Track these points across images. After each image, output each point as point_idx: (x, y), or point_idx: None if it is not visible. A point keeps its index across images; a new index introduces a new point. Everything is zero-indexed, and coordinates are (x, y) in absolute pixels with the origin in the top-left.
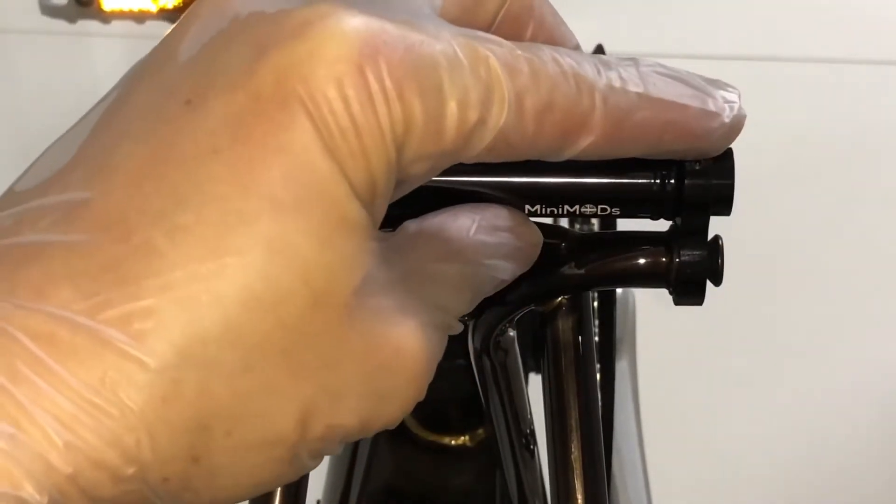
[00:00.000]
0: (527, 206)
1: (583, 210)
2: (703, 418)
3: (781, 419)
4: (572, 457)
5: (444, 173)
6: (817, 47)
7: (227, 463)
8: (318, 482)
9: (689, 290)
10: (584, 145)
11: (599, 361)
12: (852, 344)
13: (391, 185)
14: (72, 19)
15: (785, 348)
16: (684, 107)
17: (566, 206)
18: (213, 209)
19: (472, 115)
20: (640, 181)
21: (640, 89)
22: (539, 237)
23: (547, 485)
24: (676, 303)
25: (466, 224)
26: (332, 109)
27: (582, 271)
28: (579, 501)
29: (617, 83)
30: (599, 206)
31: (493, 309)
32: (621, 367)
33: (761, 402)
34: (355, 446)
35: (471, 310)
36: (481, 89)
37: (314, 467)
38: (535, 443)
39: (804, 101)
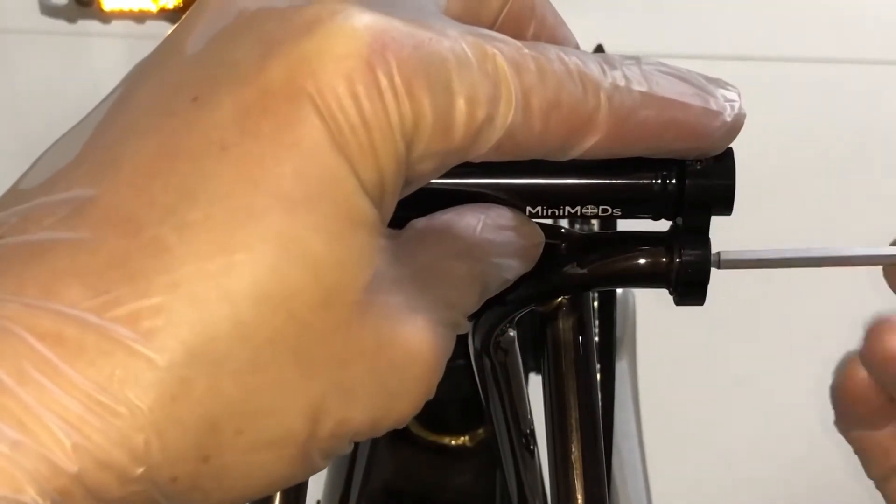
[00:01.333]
0: (528, 208)
1: (584, 211)
2: (703, 418)
3: (781, 419)
4: (572, 457)
5: (447, 174)
6: (817, 47)
7: (238, 462)
8: (318, 482)
9: (689, 291)
10: (589, 144)
11: (599, 361)
12: (852, 344)
13: (400, 183)
14: (72, 19)
15: (785, 348)
16: (687, 105)
17: (567, 208)
18: (222, 206)
19: (481, 113)
20: (641, 181)
21: (643, 88)
22: (541, 237)
23: (547, 485)
24: (677, 303)
25: (473, 223)
26: (342, 105)
27: (583, 271)
28: (579, 501)
29: (621, 82)
30: (601, 207)
31: (493, 309)
32: (621, 367)
33: (761, 402)
34: (355, 446)
35: (477, 308)
36: (489, 87)
37: (324, 467)
38: (535, 443)
39: (804, 101)
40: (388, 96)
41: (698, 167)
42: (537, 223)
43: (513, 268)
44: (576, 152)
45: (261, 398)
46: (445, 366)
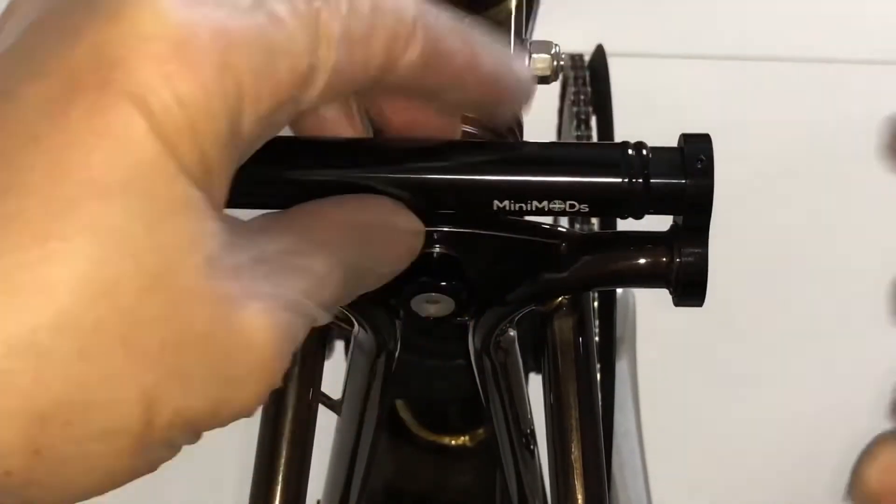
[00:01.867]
0: (495, 202)
1: (551, 206)
2: (702, 418)
3: (782, 419)
4: (572, 457)
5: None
6: (817, 47)
7: (71, 455)
8: (318, 482)
9: (689, 291)
10: (409, 59)
11: (599, 361)
12: (852, 343)
13: (228, 160)
14: None
15: (785, 348)
16: (489, 51)
17: (535, 202)
18: (36, 197)
19: (302, 64)
20: (609, 180)
21: (449, 22)
22: (420, 226)
23: (547, 485)
24: (676, 304)
25: (334, 213)
26: (154, 88)
27: (583, 271)
28: (579, 501)
29: (429, 7)
30: (568, 203)
31: (493, 309)
32: (621, 367)
33: (761, 401)
34: (355, 446)
35: (348, 301)
36: (306, 37)
37: (169, 458)
38: (535, 443)
39: (804, 101)
40: (206, 72)
41: (699, 166)
42: (540, 224)
43: (387, 260)
44: (401, 70)
45: (89, 389)
46: (438, 367)
